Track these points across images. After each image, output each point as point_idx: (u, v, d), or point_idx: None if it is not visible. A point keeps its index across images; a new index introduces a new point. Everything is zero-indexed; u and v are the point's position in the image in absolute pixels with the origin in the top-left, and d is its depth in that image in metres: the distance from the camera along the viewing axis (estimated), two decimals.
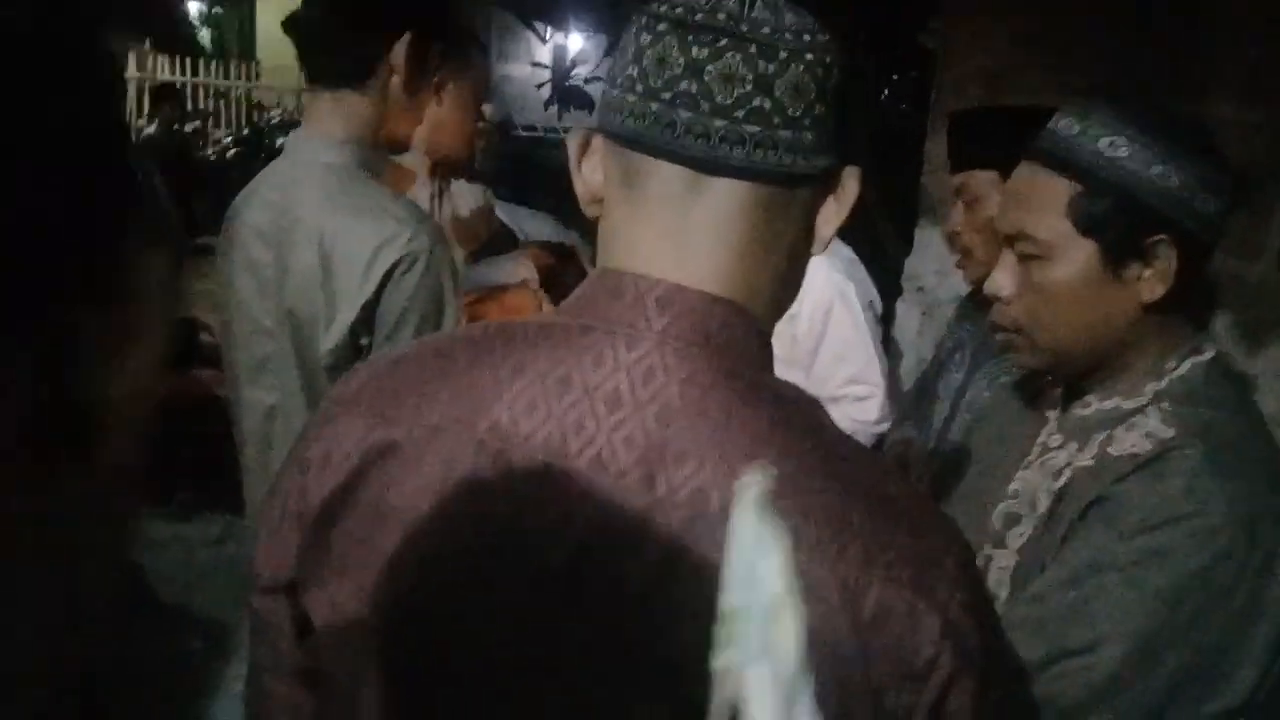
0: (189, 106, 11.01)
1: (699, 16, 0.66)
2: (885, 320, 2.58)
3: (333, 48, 1.53)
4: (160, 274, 0.31)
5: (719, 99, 0.65)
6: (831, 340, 2.24)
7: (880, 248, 3.75)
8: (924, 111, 2.86)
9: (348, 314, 1.44)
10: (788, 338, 2.14)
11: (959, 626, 0.61)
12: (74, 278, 0.27)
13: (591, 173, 0.73)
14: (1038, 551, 1.07)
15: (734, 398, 0.65)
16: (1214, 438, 1.01)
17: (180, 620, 2.62)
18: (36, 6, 0.27)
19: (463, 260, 2.21)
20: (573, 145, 0.74)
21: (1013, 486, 1.15)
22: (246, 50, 13.99)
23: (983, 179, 1.67)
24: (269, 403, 1.54)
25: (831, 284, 2.21)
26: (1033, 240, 1.08)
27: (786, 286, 0.74)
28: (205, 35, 14.57)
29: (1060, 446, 1.12)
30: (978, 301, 1.74)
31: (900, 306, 2.84)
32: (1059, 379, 1.18)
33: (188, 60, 12.33)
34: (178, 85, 11.01)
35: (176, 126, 9.17)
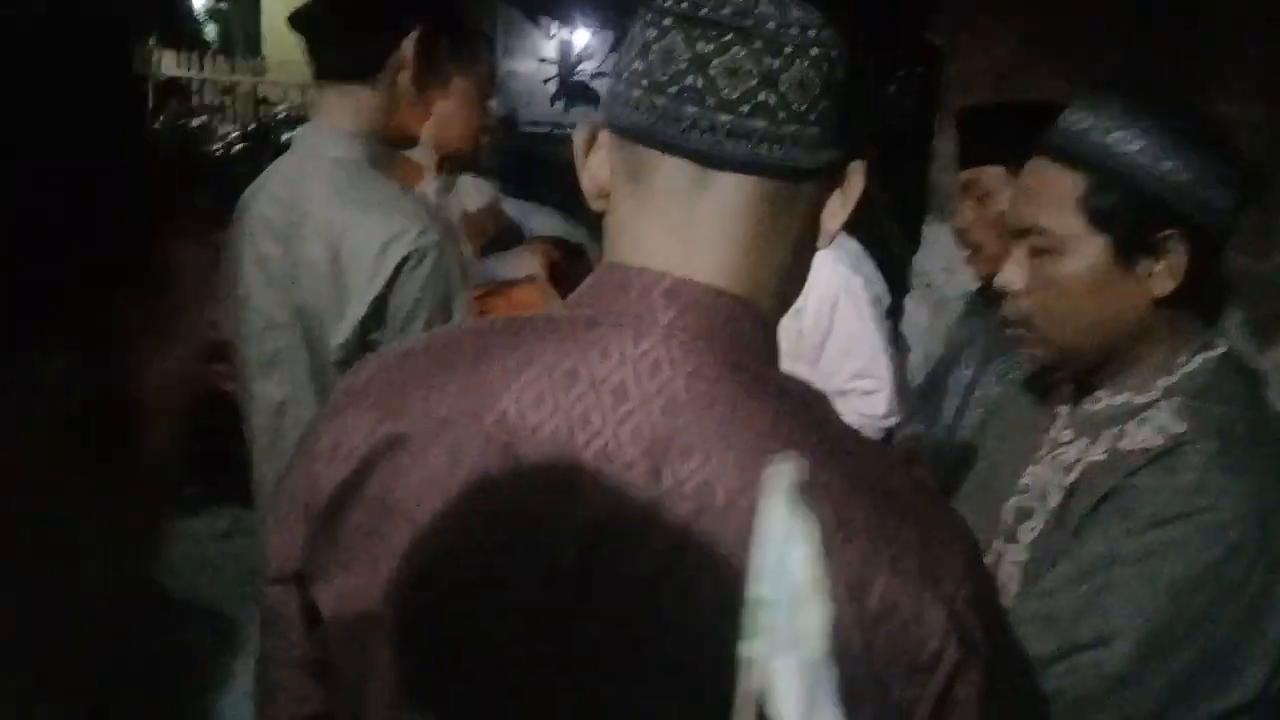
0: (195, 102, 11.01)
1: (704, 11, 0.66)
2: (893, 316, 2.58)
3: (342, 43, 1.53)
4: (198, 268, 0.31)
5: (724, 94, 0.65)
6: (837, 334, 2.23)
7: (886, 244, 3.74)
8: (930, 108, 2.85)
9: (357, 309, 1.44)
10: (794, 332, 2.13)
11: (964, 619, 0.62)
12: (115, 271, 0.28)
13: (597, 167, 0.73)
14: (1049, 546, 1.07)
15: (740, 391, 0.65)
16: (1226, 433, 1.01)
17: (187, 613, 2.62)
18: (63, 6, 0.27)
19: (471, 255, 2.21)
20: (578, 140, 0.74)
21: (1023, 481, 1.14)
22: (252, 45, 13.98)
23: (993, 174, 1.67)
24: (279, 398, 1.54)
25: (837, 278, 2.20)
26: (1044, 234, 1.07)
27: (792, 280, 0.74)
28: (211, 30, 14.56)
29: (1071, 441, 1.12)
30: (987, 297, 1.74)
31: (909, 303, 2.83)
32: (1070, 373, 1.18)
33: (194, 55, 12.34)
34: (184, 81, 11.02)
35: (183, 122, 9.17)
